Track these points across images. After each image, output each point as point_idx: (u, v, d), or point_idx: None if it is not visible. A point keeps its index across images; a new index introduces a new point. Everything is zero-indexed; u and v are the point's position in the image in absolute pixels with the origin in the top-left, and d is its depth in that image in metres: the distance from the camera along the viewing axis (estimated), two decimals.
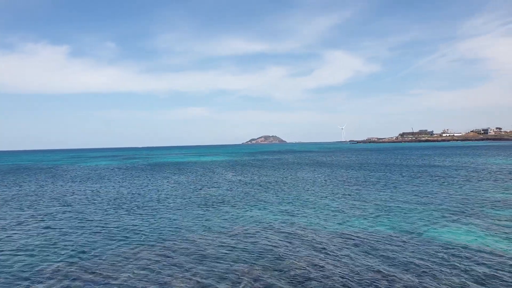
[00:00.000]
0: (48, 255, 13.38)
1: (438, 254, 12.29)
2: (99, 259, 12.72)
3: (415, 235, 14.75)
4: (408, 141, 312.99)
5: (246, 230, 16.49)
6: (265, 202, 24.13)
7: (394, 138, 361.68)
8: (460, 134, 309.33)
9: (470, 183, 30.46)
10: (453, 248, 12.85)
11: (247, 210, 21.26)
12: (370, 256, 12.35)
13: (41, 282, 10.79)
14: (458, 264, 11.24)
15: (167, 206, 23.45)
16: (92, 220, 19.42)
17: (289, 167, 58.05)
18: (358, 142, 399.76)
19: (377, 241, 14.10)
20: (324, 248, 13.33)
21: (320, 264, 11.64)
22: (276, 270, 11.23)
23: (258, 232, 16.06)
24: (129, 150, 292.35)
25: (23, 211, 23.06)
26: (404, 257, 12.06)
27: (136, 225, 17.92)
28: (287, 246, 13.72)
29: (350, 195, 26.03)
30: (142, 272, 11.37)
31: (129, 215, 20.66)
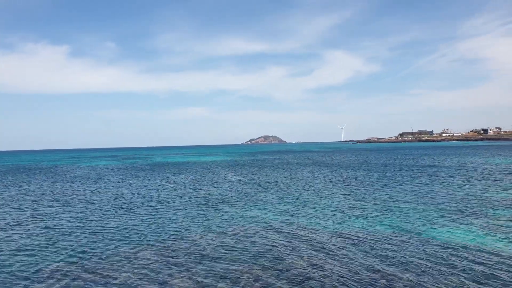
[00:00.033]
0: (47, 255, 13.39)
1: (437, 253, 12.31)
2: (99, 259, 12.74)
3: (414, 235, 14.77)
4: (407, 141, 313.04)
5: (246, 230, 16.50)
6: (264, 202, 24.14)
7: (393, 138, 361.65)
8: (460, 134, 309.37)
9: (470, 183, 30.49)
10: (452, 248, 12.87)
11: (247, 210, 21.27)
12: (369, 255, 12.37)
13: (41, 282, 10.80)
14: (457, 264, 11.26)
15: (167, 206, 23.46)
16: (91, 220, 19.43)
17: (289, 167, 58.06)
18: (357, 142, 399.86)
19: (377, 240, 14.12)
20: (323, 248, 13.35)
21: (320, 264, 11.66)
22: (275, 270, 11.24)
23: (257, 232, 16.07)
24: (129, 150, 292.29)
25: (23, 211, 23.06)
26: (403, 257, 12.08)
27: (135, 225, 17.93)
28: (286, 246, 13.74)
29: (349, 195, 26.05)
30: (141, 271, 11.39)
31: (129, 215, 20.67)
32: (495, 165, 47.78)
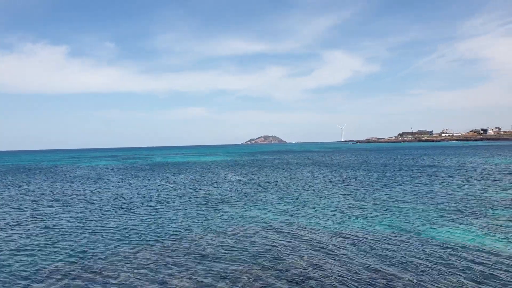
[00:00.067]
0: (47, 255, 13.40)
1: (437, 253, 12.34)
2: (99, 259, 12.75)
3: (413, 235, 14.80)
4: (407, 141, 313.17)
5: (246, 229, 16.52)
6: (264, 202, 24.16)
7: (393, 138, 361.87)
8: (460, 134, 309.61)
9: (469, 183, 30.52)
10: (451, 248, 12.89)
11: (247, 210, 21.29)
12: (369, 255, 12.39)
13: (41, 282, 10.81)
14: (456, 264, 11.29)
15: (167, 206, 23.48)
16: (91, 220, 19.44)
17: (289, 167, 58.08)
18: (357, 142, 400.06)
19: (376, 240, 14.14)
20: (323, 248, 13.37)
21: (319, 264, 11.68)
22: (275, 270, 11.26)
23: (257, 231, 16.09)
24: (129, 150, 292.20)
25: (23, 211, 23.07)
26: (402, 257, 12.11)
27: (135, 225, 17.94)
28: (286, 246, 13.76)
29: (349, 195, 26.07)
30: (141, 271, 11.40)
31: (129, 215, 20.68)
32: (494, 165, 47.82)
